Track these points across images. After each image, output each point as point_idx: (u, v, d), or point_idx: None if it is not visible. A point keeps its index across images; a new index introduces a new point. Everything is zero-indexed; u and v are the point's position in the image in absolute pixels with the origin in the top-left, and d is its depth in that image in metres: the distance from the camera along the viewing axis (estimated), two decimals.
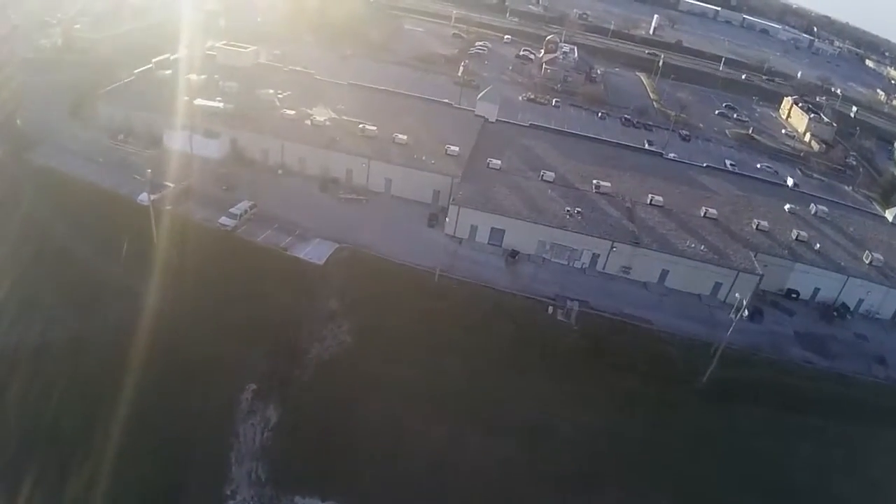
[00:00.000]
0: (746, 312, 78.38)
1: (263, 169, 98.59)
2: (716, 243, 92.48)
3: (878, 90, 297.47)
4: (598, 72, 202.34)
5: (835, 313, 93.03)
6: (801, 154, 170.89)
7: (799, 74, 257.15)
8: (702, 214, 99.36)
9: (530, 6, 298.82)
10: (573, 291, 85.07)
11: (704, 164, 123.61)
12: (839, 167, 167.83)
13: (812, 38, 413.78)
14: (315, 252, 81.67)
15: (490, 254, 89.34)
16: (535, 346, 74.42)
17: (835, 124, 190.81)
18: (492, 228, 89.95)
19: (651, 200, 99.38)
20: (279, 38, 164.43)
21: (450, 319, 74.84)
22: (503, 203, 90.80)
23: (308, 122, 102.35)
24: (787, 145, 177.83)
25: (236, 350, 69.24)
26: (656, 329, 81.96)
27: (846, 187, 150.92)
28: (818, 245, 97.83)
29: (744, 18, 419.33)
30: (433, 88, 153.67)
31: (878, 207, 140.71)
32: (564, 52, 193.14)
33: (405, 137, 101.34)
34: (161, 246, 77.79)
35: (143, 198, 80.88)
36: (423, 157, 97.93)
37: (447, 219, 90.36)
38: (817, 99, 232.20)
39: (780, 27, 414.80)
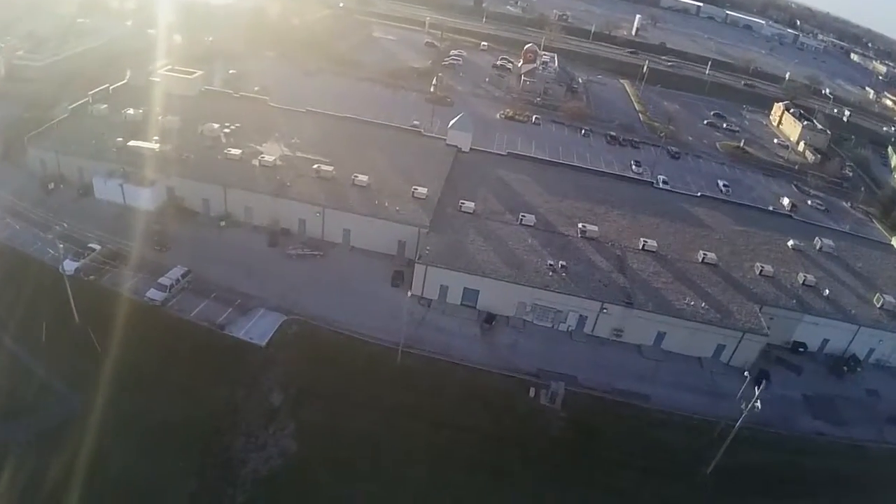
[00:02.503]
0: (752, 379, 69.93)
1: (204, 221, 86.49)
2: (717, 297, 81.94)
3: (867, 88, 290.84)
4: (580, 81, 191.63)
5: (845, 368, 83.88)
6: (796, 167, 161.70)
7: (787, 75, 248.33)
8: (700, 260, 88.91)
9: (508, 7, 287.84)
10: (558, 363, 74.29)
11: (699, 194, 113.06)
12: (836, 180, 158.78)
13: (796, 32, 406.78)
14: (257, 329, 70.03)
15: (463, 318, 78.19)
16: (515, 442, 63.47)
17: (828, 132, 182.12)
18: (464, 288, 78.74)
19: (643, 245, 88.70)
20: (237, 54, 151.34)
21: (415, 413, 63.65)
22: (477, 259, 79.53)
23: (256, 162, 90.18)
24: (781, 157, 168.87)
25: (162, 464, 57.35)
26: (653, 408, 71.46)
27: (845, 203, 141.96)
28: (827, 291, 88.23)
29: (727, 14, 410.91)
30: (404, 107, 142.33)
31: (879, 226, 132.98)
32: (544, 62, 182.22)
33: (366, 178, 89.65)
34: (82, 328, 66.46)
35: (68, 266, 70.75)
36: (387, 203, 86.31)
37: (413, 278, 78.69)
38: (808, 100, 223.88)
39: (763, 22, 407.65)
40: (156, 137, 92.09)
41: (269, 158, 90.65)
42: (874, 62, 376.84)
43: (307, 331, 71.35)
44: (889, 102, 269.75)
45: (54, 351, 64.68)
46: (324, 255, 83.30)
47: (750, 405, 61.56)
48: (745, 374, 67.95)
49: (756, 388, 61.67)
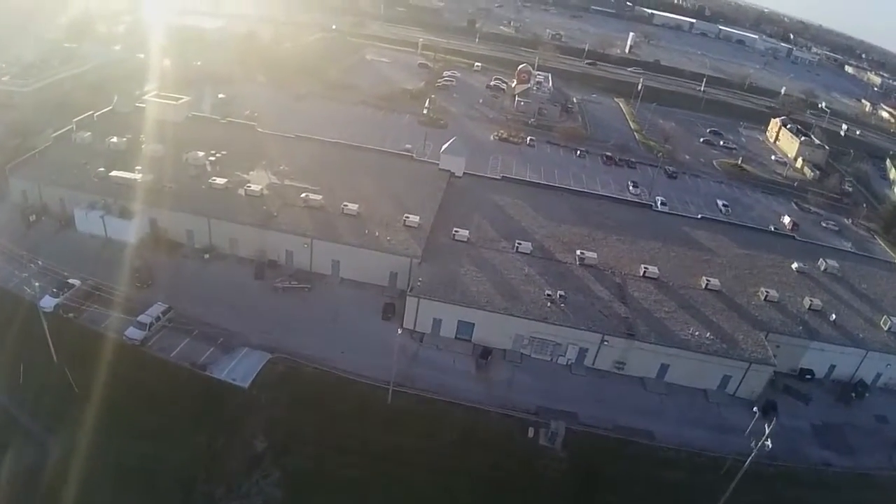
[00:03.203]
0: (760, 412, 66.97)
1: (188, 253, 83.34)
2: (722, 326, 78.79)
3: (863, 100, 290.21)
4: (575, 101, 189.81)
5: (853, 394, 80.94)
6: (795, 184, 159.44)
7: (783, 90, 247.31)
8: (703, 286, 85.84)
9: (501, 27, 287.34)
10: (558, 399, 70.89)
11: (699, 216, 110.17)
12: (835, 196, 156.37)
13: (790, 46, 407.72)
14: (240, 369, 66.64)
15: (457, 353, 74.80)
16: (514, 487, 59.86)
17: (827, 147, 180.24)
18: (459, 321, 75.44)
19: (644, 272, 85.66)
20: (227, 79, 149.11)
21: (407, 459, 60.06)
22: (471, 290, 76.33)
23: (242, 191, 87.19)
24: (779, 174, 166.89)
25: None
26: (658, 445, 67.94)
27: (846, 220, 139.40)
28: (833, 315, 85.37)
29: (720, 30, 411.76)
30: (396, 130, 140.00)
31: (882, 243, 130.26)
32: (538, 82, 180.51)
33: (356, 207, 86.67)
34: (60, 367, 63.50)
35: (46, 303, 69.13)
36: (377, 233, 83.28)
37: (405, 311, 75.43)
38: (806, 114, 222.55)
39: (756, 37, 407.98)
40: (138, 167, 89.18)
41: (255, 188, 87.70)
42: (869, 73, 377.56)
43: (293, 370, 67.99)
44: (885, 114, 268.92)
45: (31, 391, 61.92)
46: (311, 288, 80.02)
47: (759, 443, 58.21)
48: (755, 409, 64.47)
49: (766, 425, 58.24)
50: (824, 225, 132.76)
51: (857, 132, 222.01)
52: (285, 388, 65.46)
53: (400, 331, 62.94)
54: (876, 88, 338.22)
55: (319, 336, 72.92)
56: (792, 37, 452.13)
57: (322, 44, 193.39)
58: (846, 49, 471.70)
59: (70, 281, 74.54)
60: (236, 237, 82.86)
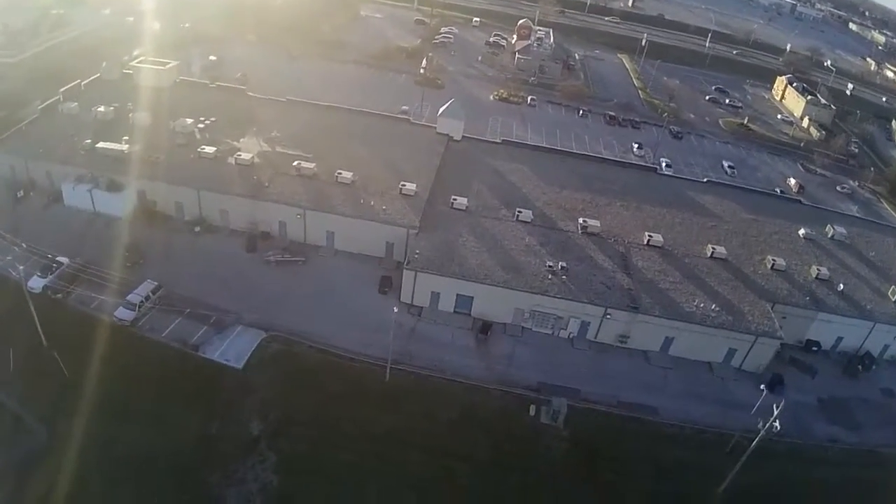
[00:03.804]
0: (767, 387, 65.51)
1: (178, 226, 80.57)
2: (727, 297, 76.72)
3: (868, 59, 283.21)
4: (577, 57, 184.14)
5: (860, 367, 79.32)
6: (801, 144, 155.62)
7: (788, 47, 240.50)
8: (708, 254, 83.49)
9: None
10: (560, 375, 69.21)
11: (705, 180, 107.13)
12: (842, 157, 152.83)
13: (794, 2, 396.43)
14: (233, 349, 64.68)
15: (456, 328, 72.79)
16: (515, 468, 58.51)
17: (833, 106, 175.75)
18: (457, 295, 73.22)
19: (648, 241, 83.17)
20: (218, 40, 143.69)
21: (405, 440, 58.61)
22: (470, 262, 73.90)
23: (232, 160, 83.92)
24: (785, 134, 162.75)
25: (134, 500, 52.60)
26: (662, 421, 66.49)
27: (852, 182, 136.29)
28: (841, 285, 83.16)
29: None
30: (392, 91, 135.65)
31: (887, 206, 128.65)
32: (539, 38, 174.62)
33: (350, 175, 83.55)
34: (50, 352, 61.36)
35: (34, 283, 67.07)
36: (373, 202, 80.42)
37: (402, 285, 73.16)
38: (810, 73, 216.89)
39: None
40: (125, 137, 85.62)
41: (245, 156, 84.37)
42: (873, 32, 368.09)
43: (288, 349, 66.05)
44: (890, 74, 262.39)
45: (20, 377, 59.82)
46: (306, 261, 77.59)
47: (768, 425, 56.66)
48: (762, 387, 62.66)
49: (774, 406, 56.54)
50: (839, 189, 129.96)
51: (865, 92, 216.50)
52: (280, 369, 63.61)
53: (396, 309, 60.76)
54: (880, 47, 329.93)
55: (314, 312, 70.83)
56: None
57: (315, 0, 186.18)
58: (849, 6, 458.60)
59: (58, 260, 72.03)
60: (227, 209, 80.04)
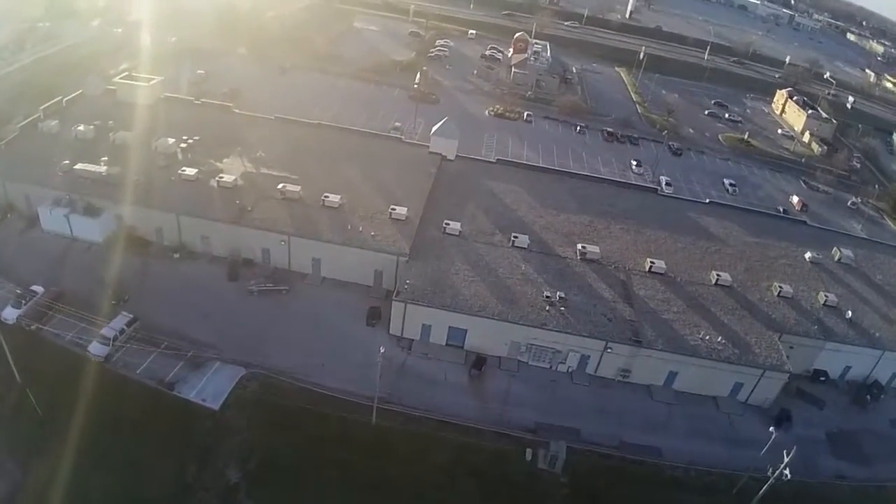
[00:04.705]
0: (775, 422, 64.11)
1: (158, 252, 76.77)
2: (733, 328, 73.15)
3: (867, 70, 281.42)
4: (574, 71, 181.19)
5: (868, 396, 76.44)
6: (802, 160, 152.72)
7: (787, 59, 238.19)
8: (713, 281, 79.94)
9: None
10: (558, 413, 65.58)
11: (707, 201, 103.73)
12: (844, 172, 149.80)
13: (791, 12, 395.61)
14: (210, 388, 60.84)
15: (448, 362, 68.92)
16: None
17: (834, 120, 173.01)
18: (450, 328, 69.44)
19: (650, 267, 79.55)
20: (207, 52, 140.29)
21: (393, 488, 54.83)
22: (463, 293, 70.17)
23: (214, 183, 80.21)
24: (786, 149, 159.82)
25: None
26: (666, 463, 62.80)
27: (856, 199, 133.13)
28: (849, 313, 79.84)
29: None
30: (385, 106, 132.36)
31: (891, 223, 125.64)
32: (536, 52, 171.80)
33: (338, 199, 79.92)
34: (23, 388, 58.29)
35: (8, 314, 64.45)
36: (361, 228, 76.76)
37: (391, 317, 69.40)
38: (810, 86, 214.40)
39: (758, 2, 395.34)
40: (104, 158, 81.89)
41: (228, 178, 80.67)
42: (871, 42, 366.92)
43: (268, 387, 62.16)
44: (889, 85, 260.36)
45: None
46: (290, 290, 73.77)
47: (777, 473, 53.20)
48: (771, 430, 58.88)
49: (785, 454, 52.98)
50: (849, 205, 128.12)
51: (865, 104, 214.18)
52: (260, 409, 59.69)
53: (383, 349, 56.86)
54: (879, 58, 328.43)
55: (298, 346, 67.02)
56: (793, 2, 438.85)
57: (308, 12, 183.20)
58: (847, 16, 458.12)
59: (33, 288, 68.36)
60: (208, 234, 76.30)
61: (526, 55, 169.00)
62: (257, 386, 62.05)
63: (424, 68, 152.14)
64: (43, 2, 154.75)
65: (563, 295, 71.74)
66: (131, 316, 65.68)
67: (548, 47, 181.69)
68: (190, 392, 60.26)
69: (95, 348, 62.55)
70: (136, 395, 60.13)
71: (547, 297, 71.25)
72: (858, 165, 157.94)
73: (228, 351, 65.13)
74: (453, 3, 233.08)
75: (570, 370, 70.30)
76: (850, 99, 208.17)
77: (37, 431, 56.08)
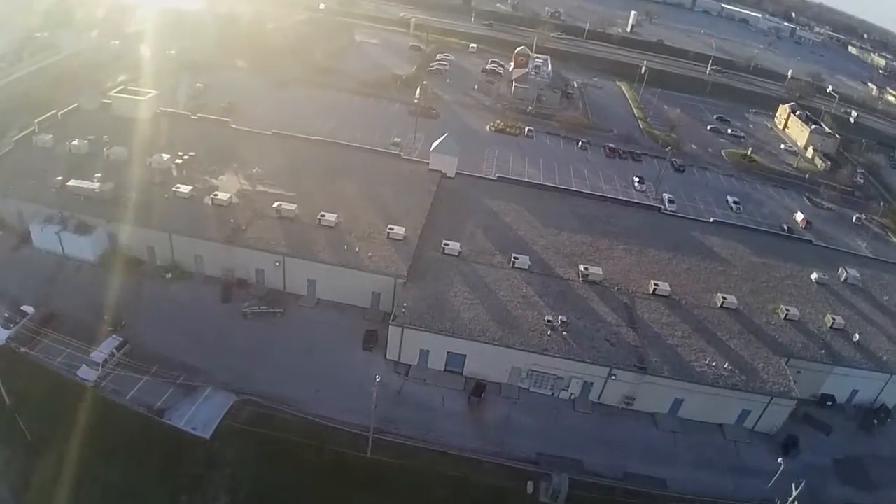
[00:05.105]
0: (782, 448, 63.92)
1: (150, 272, 75.00)
2: (740, 353, 71.25)
3: (869, 83, 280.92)
4: (575, 85, 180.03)
5: (875, 421, 74.68)
6: (806, 176, 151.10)
7: (789, 73, 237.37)
8: (718, 304, 77.99)
9: (498, 5, 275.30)
10: (560, 443, 63.50)
11: (711, 220, 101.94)
12: (848, 188, 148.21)
13: (793, 25, 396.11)
14: (201, 416, 58.88)
15: (447, 389, 66.89)
16: None
17: (838, 135, 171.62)
18: (448, 353, 67.44)
19: (654, 290, 77.62)
20: (206, 66, 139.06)
21: None
22: (462, 317, 68.25)
23: (208, 200, 78.49)
24: (790, 165, 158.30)
25: None
26: (671, 496, 60.51)
27: (860, 216, 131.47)
28: (857, 336, 78.16)
29: (722, 7, 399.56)
30: (385, 120, 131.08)
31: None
32: (537, 66, 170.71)
33: (334, 218, 78.23)
34: (12, 413, 56.26)
35: None
36: (358, 248, 74.98)
37: (388, 341, 67.47)
38: (813, 100, 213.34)
39: (759, 15, 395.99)
40: (97, 174, 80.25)
41: (223, 196, 78.98)
42: (873, 55, 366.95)
43: (261, 415, 60.14)
44: (892, 98, 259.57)
45: None
46: (284, 312, 71.80)
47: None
48: (780, 461, 56.86)
49: (794, 487, 50.99)
50: (854, 221, 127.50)
51: (868, 119, 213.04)
52: (251, 438, 57.62)
53: (378, 379, 54.85)
54: (881, 71, 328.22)
55: (291, 371, 65.05)
56: (794, 15, 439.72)
57: (309, 25, 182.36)
58: (847, 28, 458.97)
59: (23, 308, 66.72)
60: (201, 254, 74.53)
61: (527, 69, 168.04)
62: (248, 413, 60.06)
63: (425, 83, 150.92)
64: (41, 11, 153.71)
65: (565, 319, 69.81)
66: (121, 339, 63.86)
67: (548, 61, 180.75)
68: (180, 420, 58.31)
69: (84, 372, 60.92)
70: (125, 421, 58.28)
71: (549, 321, 69.32)
72: (862, 181, 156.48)
73: (220, 376, 63.16)
74: (455, 16, 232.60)
75: (572, 397, 68.29)
76: (853, 113, 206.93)
77: (25, 457, 54.51)
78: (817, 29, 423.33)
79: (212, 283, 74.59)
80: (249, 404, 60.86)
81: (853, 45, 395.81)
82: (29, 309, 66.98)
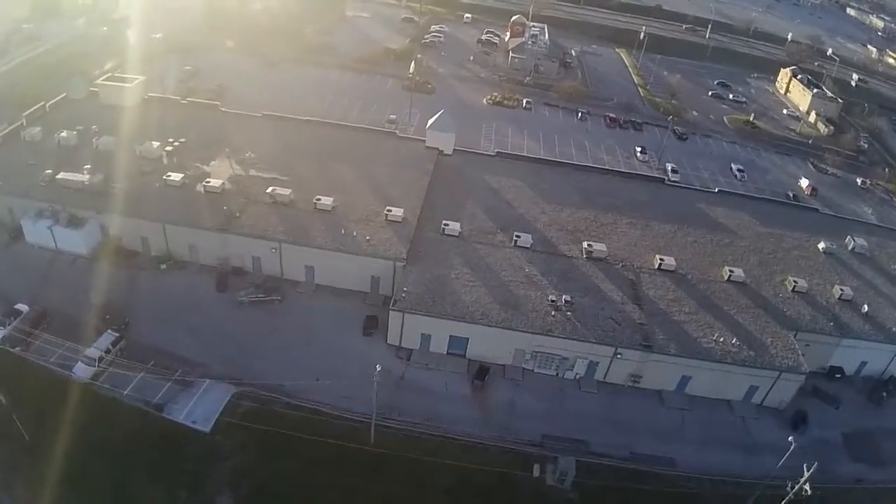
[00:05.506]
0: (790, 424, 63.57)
1: (144, 263, 73.52)
2: (748, 328, 70.03)
3: (868, 46, 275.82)
4: (573, 54, 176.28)
5: (884, 393, 73.99)
6: (809, 141, 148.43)
7: (790, 36, 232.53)
8: (725, 278, 76.58)
9: None
10: (566, 423, 62.65)
11: (716, 190, 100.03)
12: (851, 153, 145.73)
13: None
14: (200, 409, 57.90)
15: (449, 372, 65.77)
16: None
17: (840, 99, 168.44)
18: (451, 336, 66.21)
19: (659, 264, 76.14)
20: (194, 48, 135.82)
21: None
22: (464, 299, 66.90)
23: (200, 188, 76.71)
24: (793, 130, 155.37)
25: None
26: (680, 473, 59.83)
27: (864, 181, 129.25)
28: (865, 307, 76.85)
29: None
30: (379, 97, 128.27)
31: None
32: (533, 35, 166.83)
33: (330, 201, 76.46)
34: (8, 412, 54.52)
35: None
36: (355, 232, 73.34)
37: (389, 327, 66.21)
38: (814, 63, 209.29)
39: None
40: (87, 166, 78.32)
41: (215, 183, 77.12)
42: (871, 17, 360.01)
43: (260, 407, 59.14)
44: (892, 61, 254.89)
45: None
46: (282, 300, 70.47)
47: (798, 487, 50.15)
48: (790, 440, 55.68)
49: (805, 468, 50.02)
50: (859, 183, 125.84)
51: (869, 82, 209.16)
52: (252, 430, 56.64)
53: (379, 368, 53.52)
54: (880, 33, 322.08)
55: (291, 360, 63.93)
56: None
57: (298, 2, 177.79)
58: None
59: (17, 307, 65.26)
60: (195, 243, 72.96)
61: (523, 39, 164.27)
62: (248, 405, 59.07)
63: (419, 56, 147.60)
64: (27, 2, 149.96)
65: (568, 298, 68.40)
66: (117, 334, 62.62)
67: (545, 30, 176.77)
68: (179, 414, 57.39)
69: (80, 369, 59.84)
70: (124, 417, 57.36)
71: (552, 301, 67.94)
72: (866, 146, 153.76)
73: (218, 368, 62.15)
74: None
75: (577, 377, 67.26)
76: (855, 77, 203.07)
77: (23, 456, 53.52)
78: None
79: (207, 272, 73.25)
80: (249, 396, 59.84)
81: (851, 7, 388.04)
82: (23, 307, 65.61)
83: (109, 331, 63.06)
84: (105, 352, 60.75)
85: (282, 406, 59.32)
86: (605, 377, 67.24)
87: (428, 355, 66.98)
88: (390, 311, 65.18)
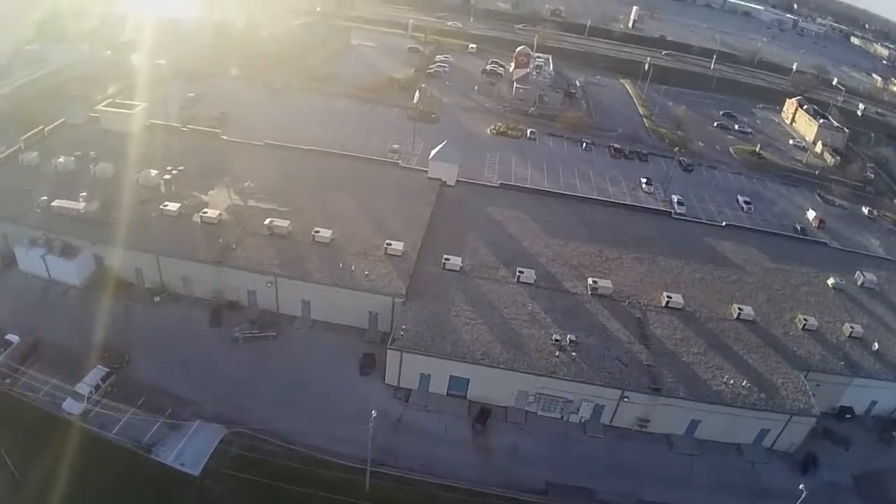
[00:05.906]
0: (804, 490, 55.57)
1: (138, 295, 71.75)
2: (758, 369, 67.75)
3: (873, 74, 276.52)
4: (578, 84, 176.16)
5: (894, 433, 71.60)
6: (816, 172, 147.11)
7: (794, 66, 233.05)
8: (734, 316, 74.36)
9: (498, 3, 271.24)
10: (570, 470, 60.14)
11: (723, 224, 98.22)
12: (858, 184, 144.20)
13: (795, 17, 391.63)
14: (190, 451, 55.64)
15: (449, 415, 63.47)
16: None
17: (846, 129, 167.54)
18: (451, 376, 63.95)
19: (667, 302, 74.00)
20: (198, 75, 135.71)
21: None
22: (464, 338, 64.78)
23: (197, 218, 75.18)
24: (799, 161, 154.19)
25: None
26: None
27: (871, 211, 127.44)
28: (876, 344, 74.64)
29: (724, 0, 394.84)
30: (383, 126, 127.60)
31: None
32: (538, 66, 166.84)
33: (329, 234, 74.85)
34: None
35: None
36: (354, 267, 71.55)
37: (387, 366, 64.04)
38: (819, 93, 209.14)
39: (761, 8, 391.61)
40: (83, 193, 77.04)
41: (212, 214, 75.64)
42: (875, 45, 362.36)
43: (253, 449, 56.78)
44: None
45: None
46: (277, 336, 68.42)
47: None
48: (801, 487, 53.10)
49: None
50: (867, 214, 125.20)
51: (875, 111, 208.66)
52: (242, 475, 54.24)
53: (374, 414, 51.31)
54: (884, 61, 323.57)
55: (285, 400, 61.76)
56: (796, 6, 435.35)
57: (303, 30, 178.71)
58: (850, 19, 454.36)
59: (8, 337, 63.39)
60: (190, 276, 71.21)
61: (528, 69, 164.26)
62: (240, 448, 56.68)
63: (423, 86, 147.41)
64: (33, 25, 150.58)
65: (573, 338, 66.24)
66: (107, 369, 60.59)
67: (550, 60, 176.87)
68: (168, 455, 55.11)
69: (69, 405, 57.94)
70: (112, 457, 55.27)
71: (556, 340, 65.77)
72: (872, 176, 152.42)
73: (210, 407, 59.98)
74: (454, 16, 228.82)
75: (582, 421, 64.78)
76: (861, 106, 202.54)
77: (12, 492, 51.49)
78: (819, 20, 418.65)
79: (202, 305, 71.37)
80: (241, 437, 57.54)
81: (855, 36, 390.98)
82: (14, 338, 63.78)
83: (99, 366, 60.97)
84: (94, 388, 58.67)
85: (274, 449, 56.83)
86: (611, 421, 64.78)
87: (427, 396, 64.66)
88: (388, 350, 63.04)
